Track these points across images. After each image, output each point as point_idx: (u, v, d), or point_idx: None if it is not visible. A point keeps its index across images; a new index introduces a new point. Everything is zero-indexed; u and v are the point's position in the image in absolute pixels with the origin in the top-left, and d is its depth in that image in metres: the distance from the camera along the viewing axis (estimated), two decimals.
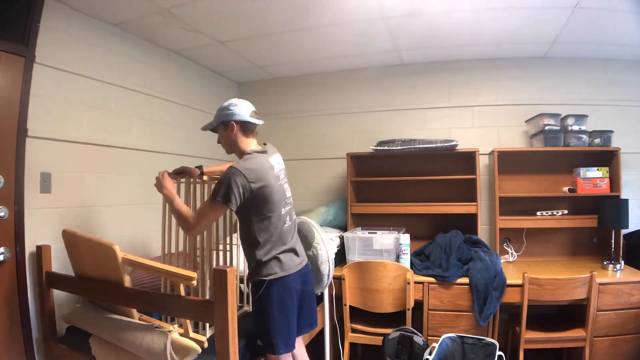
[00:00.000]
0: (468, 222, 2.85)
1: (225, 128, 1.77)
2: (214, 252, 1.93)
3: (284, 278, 1.70)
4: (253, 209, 1.66)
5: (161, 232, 1.95)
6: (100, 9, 2.19)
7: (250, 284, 1.80)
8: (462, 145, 2.87)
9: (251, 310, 1.79)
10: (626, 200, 2.56)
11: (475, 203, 2.78)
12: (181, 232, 1.90)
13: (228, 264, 2.02)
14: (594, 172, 2.70)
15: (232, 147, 1.80)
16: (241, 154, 1.76)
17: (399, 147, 2.85)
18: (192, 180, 1.95)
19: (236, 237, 2.11)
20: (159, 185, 1.81)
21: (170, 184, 1.80)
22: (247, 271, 1.83)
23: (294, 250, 1.78)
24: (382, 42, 2.78)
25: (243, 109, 1.75)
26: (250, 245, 1.71)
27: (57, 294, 1.93)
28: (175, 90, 2.92)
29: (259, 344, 1.76)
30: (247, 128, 1.77)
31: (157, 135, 2.72)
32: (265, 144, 1.83)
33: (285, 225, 1.75)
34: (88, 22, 2.23)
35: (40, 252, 1.87)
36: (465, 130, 3.11)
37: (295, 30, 2.56)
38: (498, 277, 2.31)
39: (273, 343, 1.67)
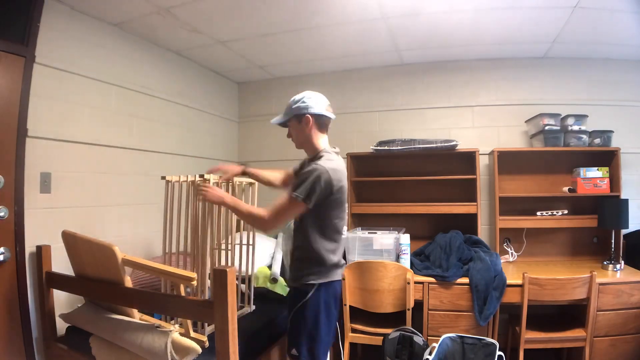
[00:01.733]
0: (468, 222, 2.85)
1: (299, 122, 1.67)
2: (216, 251, 1.93)
3: (331, 284, 1.65)
4: (327, 211, 1.59)
5: (162, 232, 1.95)
6: (100, 9, 2.19)
7: (293, 289, 1.72)
8: (462, 145, 2.86)
9: (290, 317, 1.69)
10: (626, 200, 2.56)
11: (475, 203, 2.78)
12: (181, 232, 1.90)
13: (229, 263, 2.02)
14: (594, 172, 2.69)
15: (305, 143, 1.71)
16: (314, 150, 1.69)
17: (399, 147, 2.85)
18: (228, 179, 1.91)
19: (238, 237, 2.11)
20: (212, 197, 1.68)
21: (222, 191, 1.71)
22: (291, 274, 1.75)
23: (341, 261, 1.73)
24: (382, 42, 2.78)
25: (319, 101, 1.67)
26: (306, 251, 1.64)
27: (57, 294, 1.93)
28: (175, 90, 2.92)
29: (294, 353, 1.65)
30: (322, 122, 1.69)
31: (157, 135, 2.72)
32: (335, 147, 1.76)
33: (343, 235, 1.73)
34: (88, 22, 2.23)
35: (40, 252, 1.87)
36: (465, 130, 3.11)
37: (295, 30, 2.55)
38: (498, 277, 2.31)
39: (315, 354, 1.61)
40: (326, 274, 1.63)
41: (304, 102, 1.65)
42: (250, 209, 1.65)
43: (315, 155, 1.68)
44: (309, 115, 1.64)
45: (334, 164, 1.59)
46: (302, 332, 1.62)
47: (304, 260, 1.66)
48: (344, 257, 2.65)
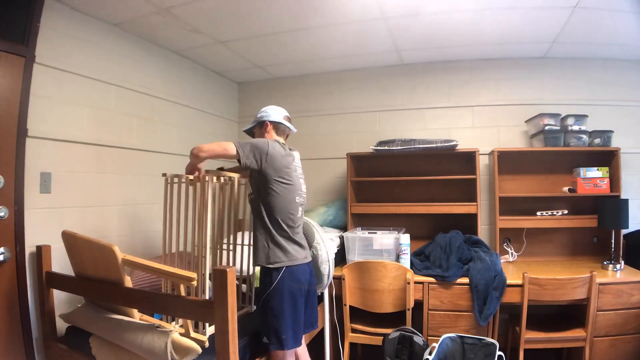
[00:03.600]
0: (468, 222, 2.85)
1: (260, 127, 1.98)
2: (218, 250, 1.93)
3: (295, 267, 1.76)
4: (265, 185, 1.77)
5: (162, 232, 1.94)
6: (100, 9, 2.19)
7: (259, 276, 1.84)
8: (462, 145, 2.86)
9: (257, 306, 1.84)
10: (626, 200, 2.57)
11: (475, 203, 2.78)
12: (181, 232, 1.90)
13: (231, 263, 2.02)
14: (594, 172, 2.70)
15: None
16: None
17: (399, 147, 2.85)
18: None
19: (240, 237, 2.11)
20: (190, 168, 1.85)
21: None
22: (254, 258, 1.88)
23: (299, 243, 1.84)
24: (382, 42, 2.78)
25: (277, 112, 1.99)
26: (262, 228, 1.78)
27: (57, 294, 1.93)
28: (175, 90, 2.92)
29: (265, 341, 1.76)
30: (279, 129, 1.98)
31: (157, 135, 2.72)
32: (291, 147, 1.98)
33: (297, 215, 1.85)
34: (88, 22, 2.23)
35: (40, 252, 1.87)
36: (465, 130, 3.11)
37: (295, 30, 2.56)
38: (498, 277, 2.31)
39: (282, 338, 1.70)
40: (279, 256, 1.75)
41: (265, 112, 1.99)
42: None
43: None
44: (267, 122, 1.95)
45: (276, 142, 1.84)
46: (269, 319, 1.74)
47: (258, 240, 1.80)
48: (345, 259, 2.67)
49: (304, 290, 1.81)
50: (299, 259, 1.80)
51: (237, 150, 1.71)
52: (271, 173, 1.76)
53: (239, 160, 1.73)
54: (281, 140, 1.95)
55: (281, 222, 1.77)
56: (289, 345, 1.72)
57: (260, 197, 1.80)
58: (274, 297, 1.72)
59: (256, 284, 2.37)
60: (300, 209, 1.88)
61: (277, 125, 1.96)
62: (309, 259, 1.91)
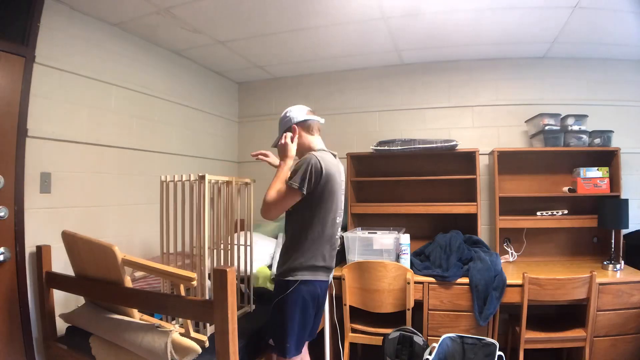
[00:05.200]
0: (468, 222, 2.85)
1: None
2: (214, 251, 1.93)
3: (313, 283, 1.71)
4: (315, 200, 1.67)
5: (159, 232, 1.94)
6: (100, 9, 2.19)
7: (276, 282, 1.79)
8: (462, 145, 2.86)
9: (270, 308, 1.78)
10: (626, 200, 2.56)
11: (475, 203, 2.78)
12: (180, 232, 1.90)
13: (229, 263, 2.02)
14: (594, 172, 2.70)
15: (302, 149, 1.82)
16: (310, 151, 1.77)
17: (399, 147, 2.85)
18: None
19: (236, 237, 2.11)
20: (284, 149, 1.77)
21: (290, 153, 1.77)
22: (278, 266, 1.81)
23: (330, 263, 1.78)
24: (382, 42, 2.78)
25: (298, 111, 1.84)
26: (295, 241, 1.71)
27: (57, 294, 1.93)
28: (175, 90, 2.92)
29: (271, 343, 1.74)
30: (307, 126, 1.83)
31: (157, 135, 2.72)
32: (334, 152, 1.88)
33: (336, 236, 1.79)
34: (88, 22, 2.23)
35: (40, 252, 1.87)
36: (465, 130, 3.11)
37: (295, 30, 2.56)
38: (498, 277, 2.31)
39: (286, 347, 1.68)
40: (309, 272, 1.69)
41: (287, 115, 1.85)
42: (269, 190, 1.68)
43: None
44: (294, 126, 1.81)
45: (323, 155, 1.70)
46: (277, 324, 1.71)
47: (290, 253, 1.73)
48: (345, 259, 2.67)
49: (317, 304, 1.76)
50: (320, 275, 1.73)
51: (300, 189, 1.61)
52: (321, 191, 1.66)
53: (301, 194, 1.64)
54: (318, 139, 1.84)
55: (316, 239, 1.69)
56: (291, 353, 1.69)
57: (299, 211, 1.72)
58: (287, 304, 1.67)
59: (257, 283, 2.37)
60: (339, 229, 1.79)
61: (304, 124, 1.82)
62: (330, 279, 1.84)
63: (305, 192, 1.63)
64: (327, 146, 1.88)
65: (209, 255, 1.87)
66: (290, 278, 1.68)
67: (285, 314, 1.68)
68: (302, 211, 1.70)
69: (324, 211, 1.70)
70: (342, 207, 1.85)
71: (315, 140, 1.84)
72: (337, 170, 1.76)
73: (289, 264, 1.71)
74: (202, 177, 1.82)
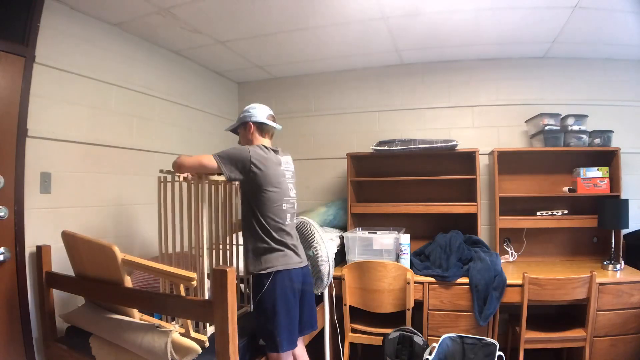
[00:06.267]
0: (468, 222, 2.85)
1: (244, 128, 1.92)
2: (214, 251, 1.92)
3: (287, 272, 1.74)
4: (252, 194, 1.76)
5: (157, 232, 1.93)
6: (100, 9, 2.19)
7: (251, 280, 1.84)
8: (462, 145, 2.86)
9: (252, 309, 1.83)
10: (626, 200, 2.56)
11: (475, 203, 2.78)
12: (180, 232, 1.90)
13: (228, 263, 2.02)
14: (594, 172, 2.69)
15: (248, 145, 1.87)
16: None
17: (399, 147, 2.85)
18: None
19: (235, 237, 2.11)
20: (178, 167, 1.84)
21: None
22: (245, 264, 1.87)
23: (294, 249, 1.81)
24: (382, 42, 2.78)
25: (260, 111, 1.91)
26: (251, 235, 1.78)
27: (57, 294, 1.93)
28: (175, 90, 2.92)
29: (261, 343, 1.77)
30: (262, 129, 1.91)
31: (157, 135, 2.72)
32: (277, 147, 1.94)
33: (287, 222, 1.81)
34: (88, 22, 2.23)
35: (40, 252, 1.87)
36: (465, 130, 3.11)
37: (295, 30, 2.55)
38: (498, 277, 2.31)
39: (277, 341, 1.69)
40: (278, 261, 1.74)
41: (248, 111, 1.91)
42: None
43: None
44: (251, 123, 1.88)
45: (259, 148, 1.78)
46: (263, 321, 1.74)
47: (252, 249, 1.78)
48: (345, 259, 2.67)
49: (297, 291, 1.79)
50: (290, 264, 1.77)
51: (217, 165, 1.71)
52: (256, 181, 1.74)
53: (222, 174, 1.73)
54: (266, 141, 1.91)
55: (269, 229, 1.75)
56: (284, 347, 1.71)
57: (247, 203, 1.79)
58: (267, 299, 1.71)
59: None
60: (288, 215, 1.83)
61: (260, 126, 1.90)
62: (305, 263, 1.88)
63: (222, 164, 1.70)
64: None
65: (207, 255, 1.87)
66: (263, 272, 1.73)
67: (267, 308, 1.71)
68: (247, 209, 1.79)
69: (268, 202, 1.75)
70: (293, 194, 1.90)
71: (262, 141, 1.90)
72: (275, 158, 1.82)
73: (256, 261, 1.75)
74: (200, 176, 1.82)
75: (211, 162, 1.72)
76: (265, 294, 1.71)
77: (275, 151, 1.87)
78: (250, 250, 1.80)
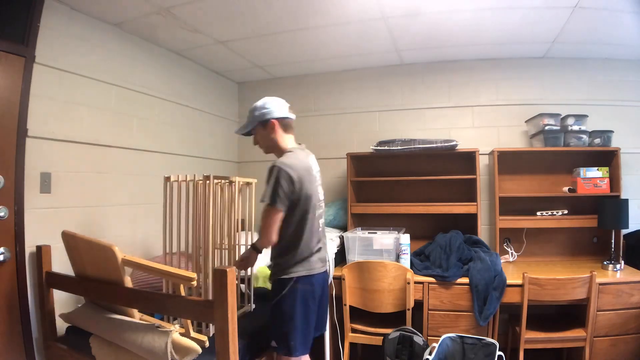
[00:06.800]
0: (468, 222, 2.85)
1: (264, 127, 1.75)
2: (217, 250, 1.92)
3: (309, 277, 1.71)
4: (293, 203, 1.67)
5: (162, 232, 1.94)
6: (100, 9, 2.19)
7: (272, 282, 1.79)
8: (462, 145, 2.86)
9: (270, 309, 1.79)
10: (626, 200, 2.56)
11: (475, 203, 2.78)
12: (183, 231, 1.90)
13: (231, 263, 2.02)
14: (594, 172, 2.69)
15: (273, 147, 1.79)
16: (282, 152, 1.74)
17: (399, 147, 2.85)
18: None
19: (237, 238, 2.11)
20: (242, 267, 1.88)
21: (244, 256, 1.86)
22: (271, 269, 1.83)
23: (317, 253, 1.78)
24: (382, 42, 2.78)
25: (279, 105, 1.74)
26: (284, 240, 1.71)
27: (57, 294, 1.93)
28: (175, 90, 2.91)
29: (273, 344, 1.73)
30: (286, 124, 1.76)
31: (157, 135, 2.72)
32: (301, 144, 1.84)
33: (319, 228, 1.78)
34: (88, 22, 2.23)
35: (40, 252, 1.87)
36: (465, 130, 3.11)
37: (295, 30, 2.55)
38: (498, 277, 2.31)
39: (291, 345, 1.67)
40: (303, 267, 1.69)
41: (266, 107, 1.73)
42: (256, 242, 1.78)
43: (281, 155, 1.73)
44: (273, 120, 1.71)
45: (290, 159, 1.66)
46: (279, 323, 1.70)
47: (280, 252, 1.73)
48: (345, 259, 2.67)
49: (317, 297, 1.76)
50: (313, 269, 1.73)
51: (277, 207, 1.61)
52: (294, 201, 1.67)
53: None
54: (290, 138, 1.78)
55: (301, 235, 1.70)
56: (298, 351, 1.68)
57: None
58: (286, 302, 1.67)
59: (257, 283, 2.37)
60: (321, 221, 1.79)
61: (283, 121, 1.74)
62: (326, 268, 1.84)
63: (281, 206, 1.62)
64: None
65: (215, 255, 1.87)
66: (285, 276, 1.69)
67: (286, 311, 1.67)
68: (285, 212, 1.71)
69: (305, 208, 1.69)
70: (322, 197, 1.84)
71: (289, 139, 1.79)
72: (308, 166, 1.73)
73: (282, 263, 1.71)
74: (207, 177, 1.82)
75: (276, 215, 1.63)
76: (285, 296, 1.68)
77: (303, 150, 1.79)
78: (274, 257, 1.76)
